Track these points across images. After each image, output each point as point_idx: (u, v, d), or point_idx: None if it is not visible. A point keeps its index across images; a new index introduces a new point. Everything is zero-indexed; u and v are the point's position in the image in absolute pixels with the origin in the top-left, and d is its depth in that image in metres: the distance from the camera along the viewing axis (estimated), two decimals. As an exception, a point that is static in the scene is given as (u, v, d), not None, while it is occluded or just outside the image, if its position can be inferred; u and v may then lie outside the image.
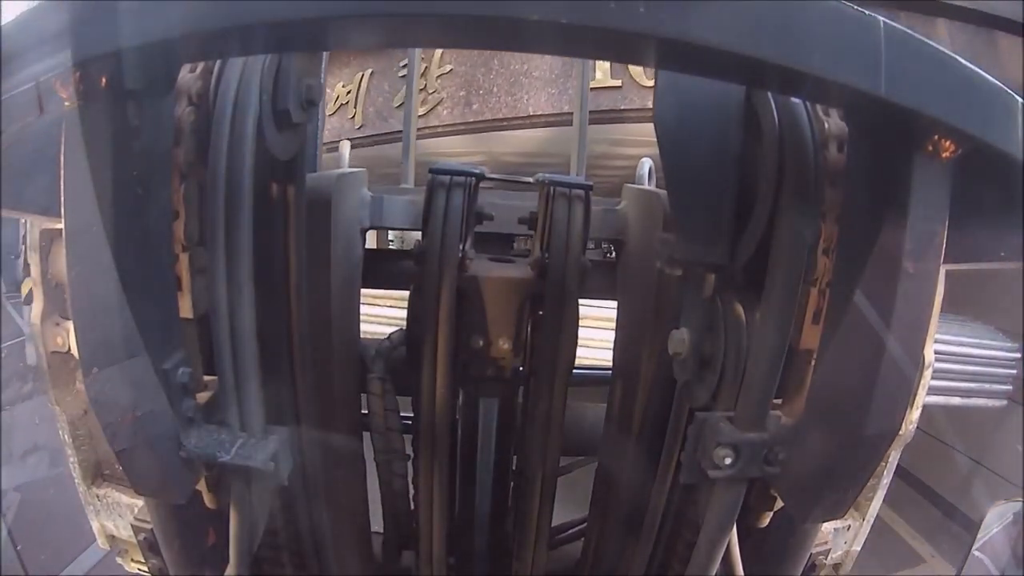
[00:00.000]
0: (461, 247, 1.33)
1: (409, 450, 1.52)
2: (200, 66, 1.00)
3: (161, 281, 0.94)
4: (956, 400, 4.65)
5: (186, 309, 1.02)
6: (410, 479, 1.54)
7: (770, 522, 1.12)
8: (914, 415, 1.30)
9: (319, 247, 1.27)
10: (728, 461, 0.99)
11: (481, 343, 1.41)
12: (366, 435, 1.56)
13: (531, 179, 1.49)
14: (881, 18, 0.73)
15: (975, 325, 4.90)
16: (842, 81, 0.72)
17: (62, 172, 0.82)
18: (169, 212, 0.95)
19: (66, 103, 0.77)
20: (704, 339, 1.17)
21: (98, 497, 1.33)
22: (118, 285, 0.82)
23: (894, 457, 1.40)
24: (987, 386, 4.73)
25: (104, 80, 0.77)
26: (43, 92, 0.76)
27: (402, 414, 1.54)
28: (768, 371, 1.00)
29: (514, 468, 1.60)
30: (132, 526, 1.38)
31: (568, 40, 0.78)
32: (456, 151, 6.95)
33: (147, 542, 1.34)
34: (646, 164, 1.73)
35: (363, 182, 1.53)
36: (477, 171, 1.37)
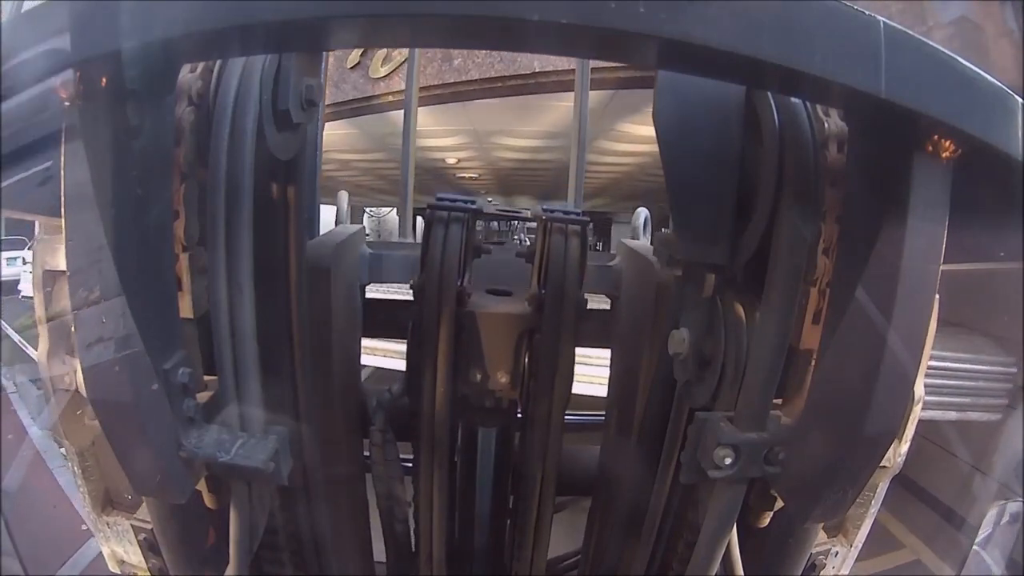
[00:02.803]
0: (459, 282, 1.35)
1: (410, 495, 1.55)
2: (200, 66, 1.00)
3: (161, 281, 0.94)
4: (952, 415, 4.67)
5: (186, 309, 1.02)
6: (411, 514, 1.57)
7: (770, 522, 1.12)
8: (903, 448, 1.31)
9: (320, 309, 1.31)
10: (728, 461, 0.99)
11: (479, 376, 1.43)
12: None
13: (529, 212, 1.51)
14: (881, 18, 0.73)
15: (971, 337, 4.92)
16: (842, 81, 0.72)
17: (62, 172, 0.82)
18: (169, 212, 0.95)
19: (66, 103, 0.77)
20: (704, 339, 1.17)
21: (108, 524, 1.34)
22: (118, 285, 0.82)
23: (882, 488, 1.41)
24: (983, 400, 4.75)
25: (104, 80, 0.77)
26: (44, 92, 0.76)
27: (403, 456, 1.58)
28: (768, 371, 1.00)
29: (512, 500, 1.63)
30: (132, 526, 1.38)
31: (568, 40, 0.78)
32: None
33: (147, 542, 1.34)
34: (642, 215, 1.76)
35: (361, 240, 1.56)
36: (475, 206, 1.39)
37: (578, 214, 1.44)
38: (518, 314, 1.42)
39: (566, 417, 1.44)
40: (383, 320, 1.60)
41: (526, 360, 1.44)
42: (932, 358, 1.11)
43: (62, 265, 0.86)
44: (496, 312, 1.42)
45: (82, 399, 1.13)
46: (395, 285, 1.64)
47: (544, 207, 1.46)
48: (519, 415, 1.54)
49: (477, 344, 1.41)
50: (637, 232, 1.75)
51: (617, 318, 1.59)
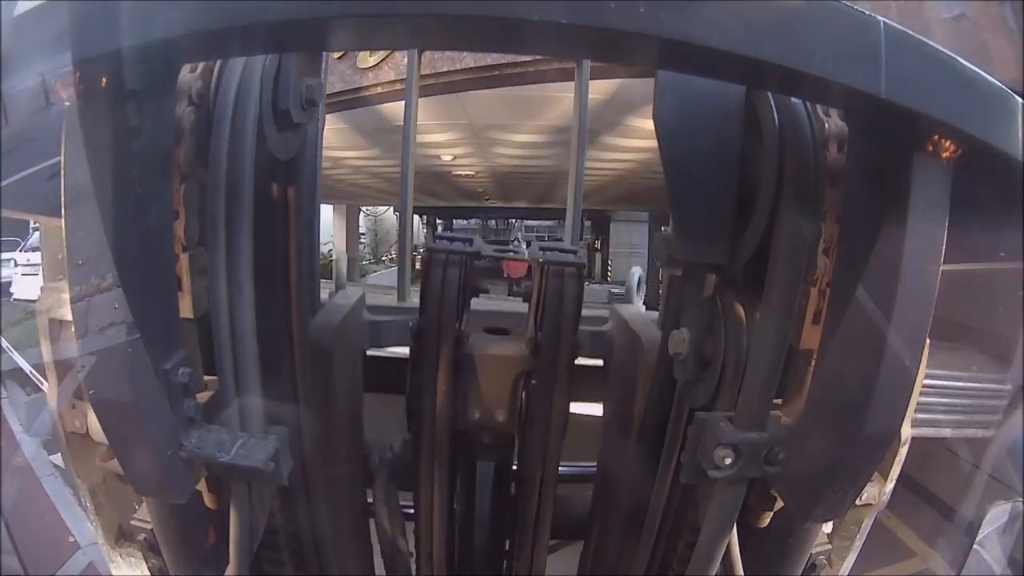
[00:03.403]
0: (458, 324, 1.38)
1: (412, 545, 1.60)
2: (200, 66, 1.00)
3: (161, 281, 0.94)
4: (947, 431, 4.69)
5: (186, 309, 1.02)
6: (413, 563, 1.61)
7: (770, 522, 1.12)
8: (887, 487, 1.33)
9: (323, 385, 1.36)
10: (728, 461, 0.99)
11: (478, 414, 1.46)
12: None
13: (526, 253, 1.54)
14: (881, 18, 0.73)
15: (966, 352, 4.93)
16: (842, 81, 0.72)
17: (62, 172, 0.82)
18: (169, 212, 0.95)
19: (66, 103, 0.77)
20: (704, 339, 1.17)
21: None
22: (119, 285, 0.82)
23: (866, 523, 1.42)
24: (977, 417, 4.76)
25: (104, 80, 0.77)
26: (44, 91, 0.76)
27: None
28: (768, 371, 1.00)
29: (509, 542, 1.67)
30: (132, 526, 1.38)
31: (568, 40, 0.78)
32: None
33: (147, 542, 1.34)
34: (635, 274, 1.76)
35: (362, 307, 1.60)
36: (473, 249, 1.42)
37: (575, 252, 1.47)
38: (515, 356, 1.45)
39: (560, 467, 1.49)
40: (383, 377, 1.65)
41: (524, 396, 1.48)
42: (926, 376, 1.11)
43: (68, 316, 0.88)
44: (493, 355, 1.46)
45: (92, 442, 1.17)
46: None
47: (541, 246, 1.50)
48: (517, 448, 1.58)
49: (475, 385, 1.44)
50: (631, 291, 1.77)
51: (608, 384, 1.64)
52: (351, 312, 1.50)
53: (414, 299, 1.62)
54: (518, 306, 1.61)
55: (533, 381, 1.44)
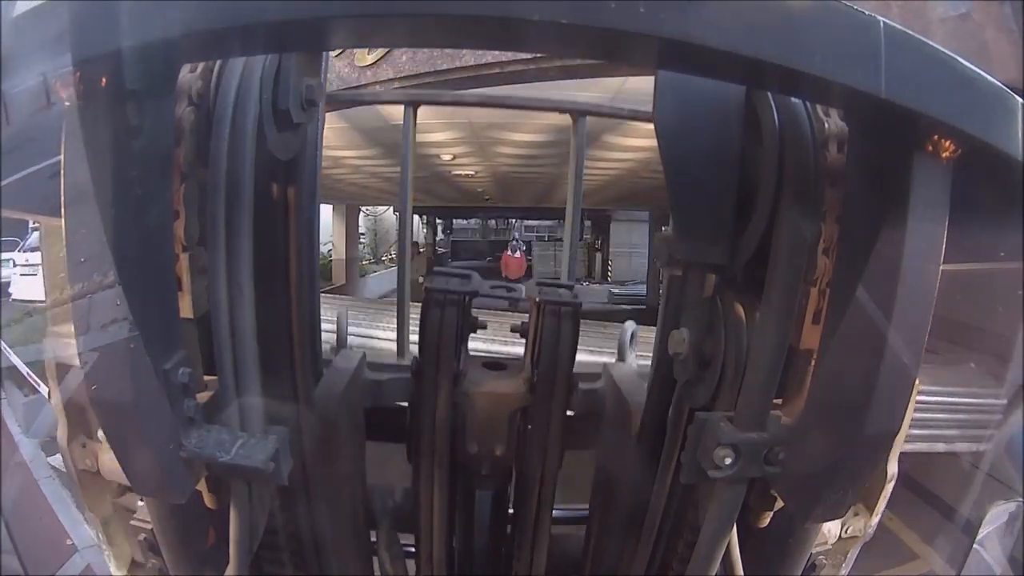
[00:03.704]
0: (456, 364, 1.43)
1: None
2: (200, 66, 1.00)
3: (161, 281, 0.94)
4: (940, 447, 4.70)
5: (186, 309, 1.02)
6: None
7: (770, 522, 1.12)
8: (873, 520, 1.35)
9: (328, 451, 1.39)
10: (728, 461, 0.99)
11: (476, 449, 1.51)
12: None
13: (523, 290, 1.57)
14: (881, 18, 0.73)
15: (962, 368, 4.94)
16: (842, 81, 0.72)
17: (62, 172, 0.82)
18: (169, 212, 0.95)
19: (66, 103, 0.77)
20: (704, 339, 1.17)
21: None
22: (119, 285, 0.82)
23: (852, 553, 1.43)
24: (971, 431, 4.78)
25: (104, 80, 0.77)
26: (45, 91, 0.76)
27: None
28: (768, 371, 1.00)
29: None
30: (132, 526, 1.38)
31: (568, 40, 0.78)
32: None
33: (147, 542, 1.34)
34: (629, 329, 1.78)
35: (364, 366, 1.64)
36: (470, 289, 1.46)
37: (571, 287, 1.52)
38: (511, 394, 1.50)
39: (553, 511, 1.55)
40: (383, 427, 1.69)
41: (520, 431, 1.53)
42: (920, 392, 1.12)
43: (75, 360, 0.91)
44: (491, 392, 1.50)
45: (103, 480, 1.21)
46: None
47: (538, 282, 1.54)
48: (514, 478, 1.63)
49: (473, 420, 1.49)
50: (624, 347, 1.81)
51: (599, 444, 1.68)
52: (353, 378, 1.54)
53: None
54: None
55: (529, 417, 1.49)
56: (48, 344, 1.21)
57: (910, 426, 1.11)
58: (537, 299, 1.47)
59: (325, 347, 1.54)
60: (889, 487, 1.31)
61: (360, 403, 1.59)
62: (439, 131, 7.12)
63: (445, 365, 1.41)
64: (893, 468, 1.27)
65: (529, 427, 1.50)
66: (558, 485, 1.56)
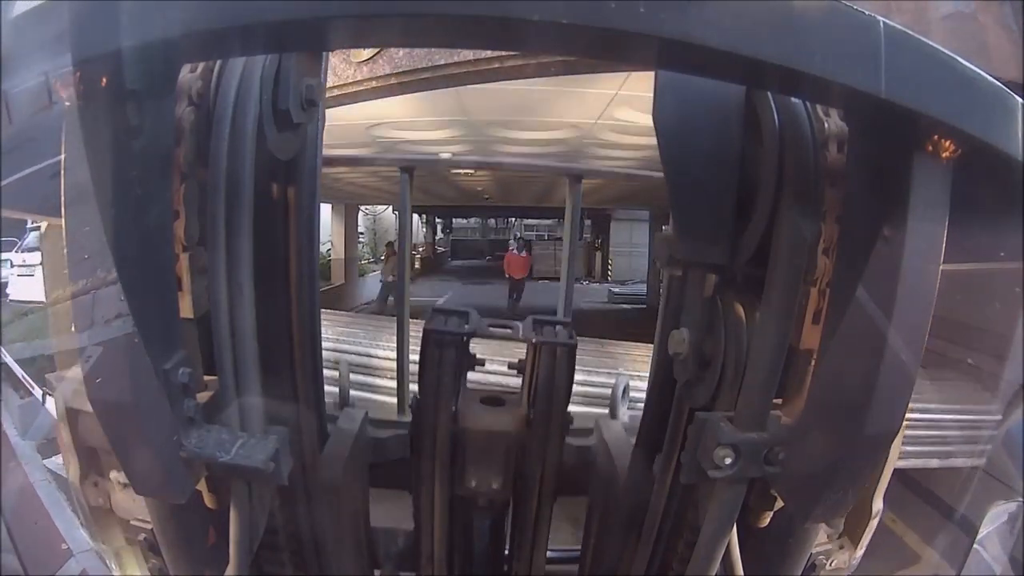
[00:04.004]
0: (454, 404, 1.48)
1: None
2: (200, 66, 1.00)
3: (161, 281, 0.94)
4: (935, 462, 4.71)
5: (186, 309, 1.02)
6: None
7: (770, 522, 1.12)
8: (858, 554, 1.37)
9: (333, 508, 1.45)
10: (728, 461, 0.99)
11: (474, 482, 1.55)
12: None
13: (521, 327, 1.59)
14: (881, 18, 0.73)
15: (958, 384, 4.94)
16: (842, 81, 0.72)
17: (63, 172, 0.82)
18: (169, 212, 0.95)
19: (66, 103, 0.77)
20: (704, 339, 1.17)
21: None
22: (119, 285, 0.82)
23: None
24: (966, 447, 4.78)
25: (104, 80, 0.77)
26: (45, 91, 0.76)
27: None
28: (768, 371, 1.00)
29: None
30: (132, 526, 1.39)
31: (568, 40, 0.78)
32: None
33: (147, 542, 1.34)
34: (621, 384, 1.80)
35: (367, 425, 1.69)
36: (468, 330, 1.50)
37: (567, 324, 1.56)
38: (508, 432, 1.54)
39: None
40: (384, 477, 1.75)
41: (517, 465, 1.57)
42: (914, 410, 1.13)
43: (86, 406, 0.94)
44: (488, 430, 1.54)
45: (116, 517, 1.25)
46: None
47: (535, 319, 1.58)
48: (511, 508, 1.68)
49: (472, 457, 1.54)
50: (616, 401, 1.85)
51: (593, 486, 1.73)
52: (357, 441, 1.59)
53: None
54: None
55: (525, 453, 1.54)
56: (59, 388, 1.24)
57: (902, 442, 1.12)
58: (533, 340, 1.51)
59: (328, 401, 1.60)
60: (874, 523, 1.34)
61: (365, 464, 1.65)
62: (436, 128, 6.99)
63: (444, 404, 1.46)
64: (878, 504, 1.30)
65: (525, 462, 1.54)
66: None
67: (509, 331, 1.56)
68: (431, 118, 6.30)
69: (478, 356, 1.55)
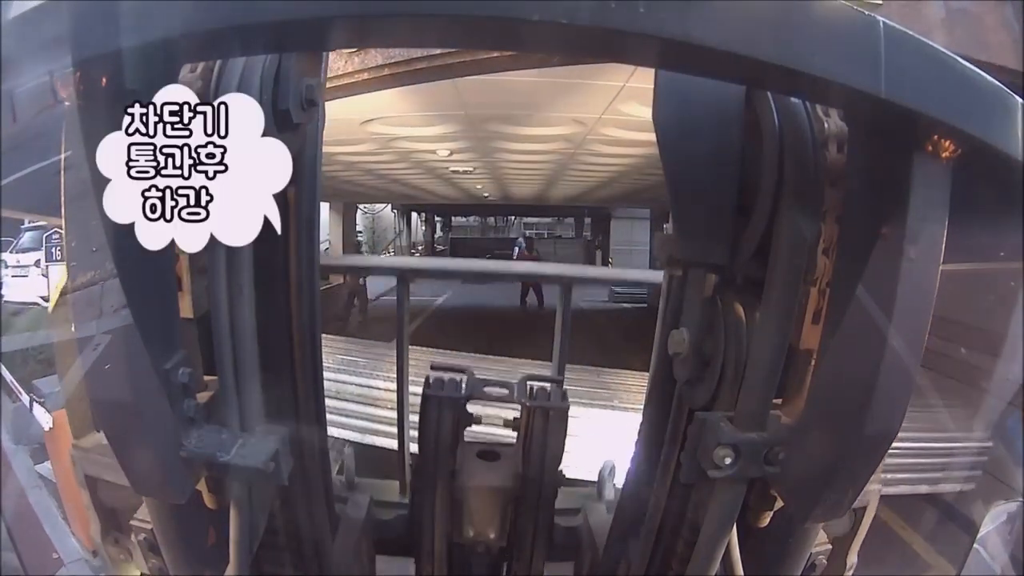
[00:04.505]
0: (453, 459, 1.57)
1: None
2: (200, 66, 1.00)
3: (161, 281, 0.94)
4: (923, 488, 4.72)
5: (186, 309, 1.02)
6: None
7: (770, 522, 1.12)
8: (852, 558, 1.39)
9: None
10: (728, 461, 0.99)
11: (472, 533, 1.64)
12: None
13: (516, 389, 1.67)
14: (881, 18, 0.73)
15: (952, 411, 4.96)
16: (842, 81, 0.72)
17: (62, 172, 0.82)
18: (169, 212, 0.95)
19: (66, 103, 0.78)
20: (704, 339, 1.17)
21: None
22: (119, 285, 0.82)
23: None
24: (956, 473, 4.79)
25: (104, 80, 0.77)
26: (44, 91, 0.76)
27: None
28: (768, 371, 1.00)
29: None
30: (132, 526, 1.39)
31: (568, 40, 0.78)
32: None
33: (147, 542, 1.34)
34: (608, 466, 1.84)
35: (372, 511, 1.75)
36: (465, 394, 1.59)
37: (560, 382, 1.64)
38: (504, 487, 1.63)
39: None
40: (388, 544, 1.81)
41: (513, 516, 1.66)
42: (904, 439, 1.15)
43: (105, 475, 1.02)
44: (485, 486, 1.63)
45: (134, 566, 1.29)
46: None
47: (528, 377, 1.65)
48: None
49: (469, 511, 1.62)
50: (603, 483, 1.92)
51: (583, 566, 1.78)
52: (364, 530, 1.65)
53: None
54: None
55: (520, 507, 1.63)
56: (76, 458, 1.30)
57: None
58: (526, 403, 1.60)
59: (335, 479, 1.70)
60: (849, 574, 1.38)
61: (371, 550, 1.72)
62: (433, 124, 6.80)
63: (444, 464, 1.56)
64: (853, 558, 1.34)
65: (520, 515, 1.64)
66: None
67: (505, 392, 1.65)
68: (427, 112, 6.11)
69: (475, 415, 1.64)
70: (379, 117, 6.11)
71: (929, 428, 4.74)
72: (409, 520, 1.66)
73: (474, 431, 1.68)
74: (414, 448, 1.68)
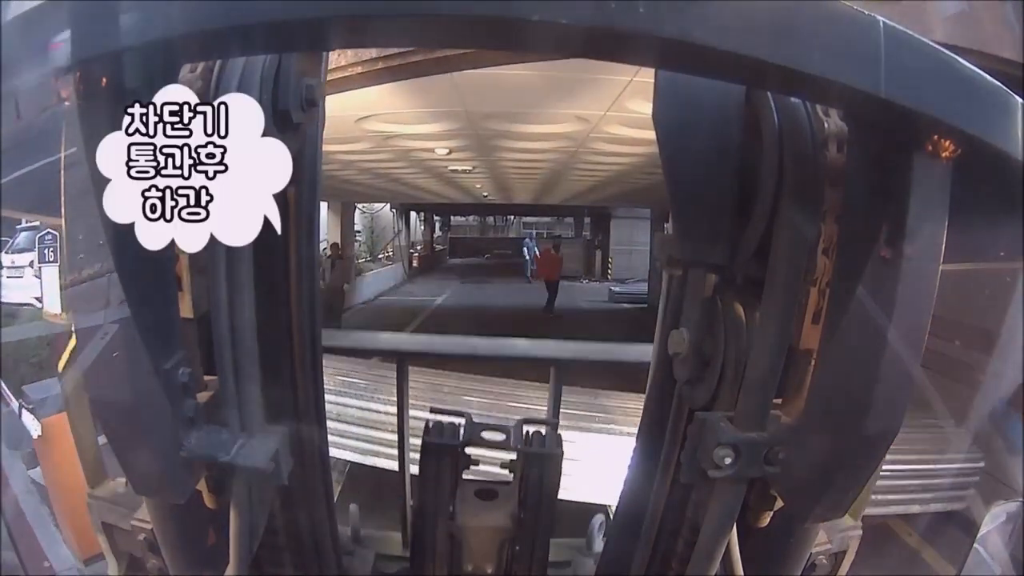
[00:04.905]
0: (452, 501, 1.65)
1: None
2: (200, 66, 1.00)
3: (161, 281, 0.94)
4: (915, 508, 4.73)
5: (186, 309, 1.02)
6: None
7: (770, 522, 1.12)
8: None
9: None
10: (728, 461, 0.99)
11: (470, 568, 1.71)
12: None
13: (512, 433, 1.73)
14: (881, 18, 0.73)
15: (945, 429, 4.96)
16: (842, 81, 0.72)
17: (62, 172, 0.82)
18: (169, 212, 0.95)
19: (66, 103, 0.78)
20: (704, 339, 1.17)
21: None
22: (119, 285, 0.82)
23: None
24: (948, 493, 4.79)
25: (104, 80, 0.77)
26: (43, 91, 0.76)
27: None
28: (768, 371, 1.00)
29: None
30: (132, 526, 1.39)
31: (568, 40, 0.78)
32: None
33: (147, 542, 1.35)
34: (597, 521, 1.87)
35: (376, 565, 1.86)
36: (463, 441, 1.66)
37: (555, 425, 1.74)
38: (501, 526, 1.69)
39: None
40: None
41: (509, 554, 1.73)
42: (894, 462, 1.15)
43: (123, 523, 1.06)
44: (482, 526, 1.69)
45: None
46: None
47: (524, 421, 1.72)
48: None
49: (468, 549, 1.69)
50: (592, 538, 1.98)
51: None
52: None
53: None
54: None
55: (516, 545, 1.70)
56: (93, 506, 1.36)
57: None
58: (521, 448, 1.68)
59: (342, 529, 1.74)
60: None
61: None
62: (430, 121, 6.62)
63: (443, 507, 1.64)
64: None
65: (516, 554, 1.71)
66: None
67: (502, 437, 1.72)
68: (424, 109, 5.92)
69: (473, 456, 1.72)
70: (375, 114, 5.96)
71: (921, 449, 4.76)
72: (411, 562, 1.73)
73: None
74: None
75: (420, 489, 1.66)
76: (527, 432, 1.71)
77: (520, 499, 1.67)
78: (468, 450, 1.70)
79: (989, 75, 0.79)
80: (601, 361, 2.44)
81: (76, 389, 1.71)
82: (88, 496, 1.39)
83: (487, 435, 1.72)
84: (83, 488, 1.55)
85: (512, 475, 1.73)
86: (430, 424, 1.69)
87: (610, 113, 5.76)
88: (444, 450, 1.65)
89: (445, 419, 1.71)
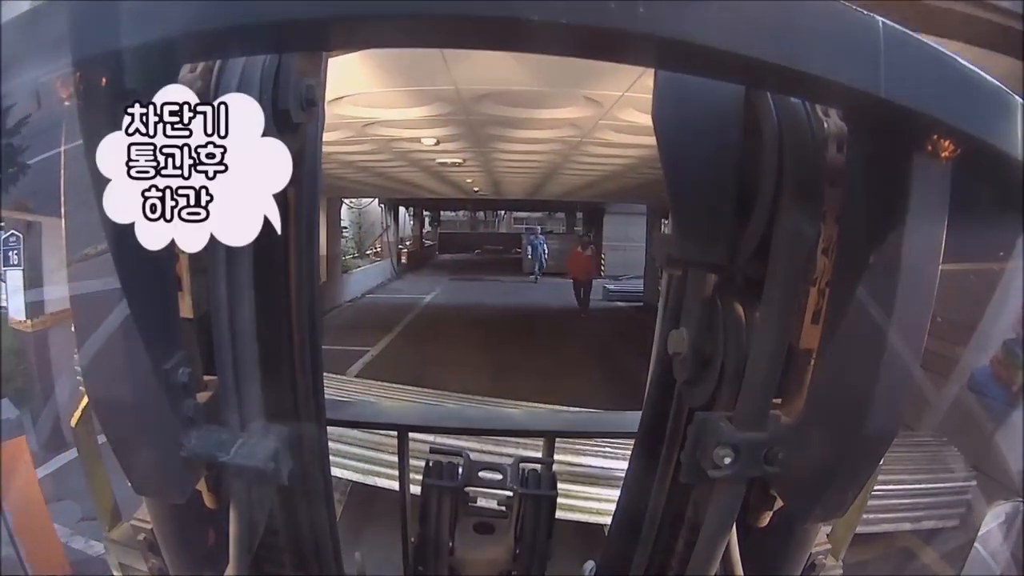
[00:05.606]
0: (450, 543, 1.71)
1: None
2: (200, 66, 1.00)
3: (161, 281, 0.94)
4: (906, 525, 4.74)
5: (186, 309, 1.02)
6: None
7: (770, 522, 1.12)
8: None
9: None
10: (728, 461, 0.99)
11: None
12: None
13: (508, 472, 1.79)
14: (880, 18, 0.73)
15: (937, 448, 4.96)
16: (841, 81, 0.73)
17: (62, 172, 0.82)
18: (169, 212, 0.95)
19: (66, 103, 0.78)
20: (704, 339, 1.17)
21: None
22: (119, 285, 0.82)
23: None
24: (939, 511, 4.80)
25: (104, 80, 0.77)
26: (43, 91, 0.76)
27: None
28: (768, 371, 1.00)
29: None
30: (132, 526, 1.39)
31: (568, 40, 0.78)
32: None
33: (147, 542, 1.35)
34: (588, 567, 1.91)
35: None
36: (461, 483, 1.73)
37: (550, 464, 1.79)
38: (497, 560, 1.75)
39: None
40: None
41: None
42: (886, 482, 1.15)
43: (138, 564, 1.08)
44: (480, 560, 1.75)
45: None
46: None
47: (521, 460, 1.78)
48: None
49: None
50: None
51: None
52: None
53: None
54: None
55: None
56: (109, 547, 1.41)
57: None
58: (516, 489, 1.74)
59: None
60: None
61: None
62: (417, 106, 5.89)
63: (442, 544, 1.71)
64: None
65: None
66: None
67: (499, 477, 1.79)
68: (408, 88, 5.34)
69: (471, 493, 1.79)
70: (348, 95, 5.35)
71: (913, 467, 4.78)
72: None
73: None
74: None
75: (420, 528, 1.73)
76: (523, 471, 1.77)
77: (516, 536, 1.74)
78: (468, 500, 1.78)
79: (990, 75, 0.79)
80: (592, 433, 2.53)
81: (89, 439, 1.74)
82: (104, 539, 1.44)
83: (484, 475, 1.80)
84: (44, 514, 1.58)
85: (508, 511, 1.81)
86: (430, 463, 1.76)
87: (628, 94, 5.09)
88: (444, 491, 1.73)
89: (444, 459, 1.78)
